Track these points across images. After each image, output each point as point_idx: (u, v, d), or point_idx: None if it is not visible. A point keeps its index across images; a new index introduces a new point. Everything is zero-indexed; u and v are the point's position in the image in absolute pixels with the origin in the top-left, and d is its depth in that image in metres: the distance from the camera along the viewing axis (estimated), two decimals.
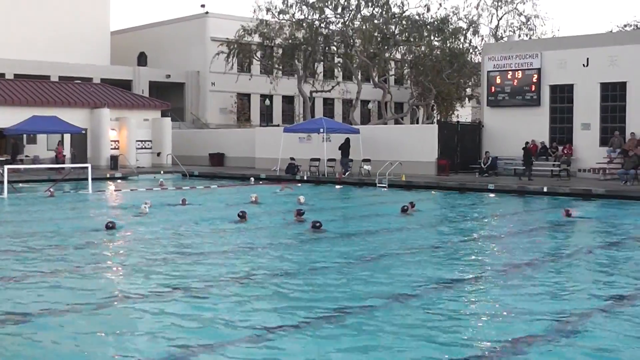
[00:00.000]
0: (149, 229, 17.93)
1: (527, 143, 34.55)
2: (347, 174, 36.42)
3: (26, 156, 41.60)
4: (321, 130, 37.93)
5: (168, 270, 12.63)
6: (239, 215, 19.11)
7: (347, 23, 51.04)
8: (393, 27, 51.90)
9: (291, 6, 50.60)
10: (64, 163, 39.58)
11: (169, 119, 47.51)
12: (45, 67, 51.76)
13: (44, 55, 53.07)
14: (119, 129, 44.76)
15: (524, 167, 33.32)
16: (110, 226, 17.41)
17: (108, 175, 38.00)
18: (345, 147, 37.52)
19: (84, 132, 41.97)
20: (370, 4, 50.50)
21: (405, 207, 21.48)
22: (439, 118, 56.26)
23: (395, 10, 51.24)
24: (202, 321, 9.21)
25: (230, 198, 26.67)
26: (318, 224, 17.26)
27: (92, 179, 30.16)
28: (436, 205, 25.83)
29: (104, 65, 57.33)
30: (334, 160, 37.97)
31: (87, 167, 31.24)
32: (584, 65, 34.89)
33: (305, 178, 36.42)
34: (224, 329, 8.92)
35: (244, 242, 15.96)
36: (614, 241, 16.88)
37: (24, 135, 41.80)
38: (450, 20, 52.30)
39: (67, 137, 42.96)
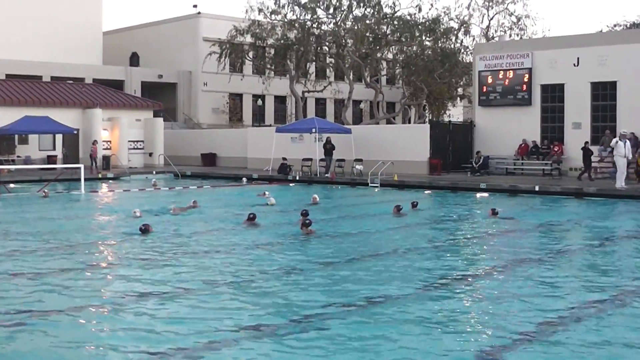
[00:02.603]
0: (159, 231, 17.54)
1: (586, 143, 33.06)
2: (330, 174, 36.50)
3: (18, 156, 41.54)
4: (313, 130, 38.00)
5: (163, 272, 12.70)
6: (249, 217, 18.85)
7: (339, 23, 51.13)
8: (385, 27, 52.02)
9: (283, 6, 50.71)
10: (96, 163, 40.08)
11: (161, 119, 47.51)
12: (37, 67, 51.68)
13: (36, 55, 52.97)
14: (111, 129, 44.75)
15: (583, 168, 32.04)
16: (143, 229, 16.80)
17: (100, 176, 37.95)
18: (331, 147, 37.50)
19: (76, 132, 41.93)
20: (362, 5, 50.61)
21: (400, 207, 21.52)
22: (430, 118, 56.39)
23: (387, 10, 51.41)
24: (185, 323, 9.23)
25: (240, 199, 26.34)
26: (308, 222, 17.24)
27: (84, 180, 30.17)
28: (429, 205, 25.83)
29: (96, 65, 57.28)
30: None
31: (79, 168, 31.26)
32: (574, 64, 35.07)
33: (297, 178, 36.46)
34: (211, 331, 8.96)
35: (248, 243, 15.97)
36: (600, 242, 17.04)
37: (16, 136, 41.73)
38: (441, 20, 52.48)
39: (59, 138, 42.91)
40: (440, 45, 52.49)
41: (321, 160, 37.81)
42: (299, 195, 28.79)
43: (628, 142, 28.11)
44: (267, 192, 26.43)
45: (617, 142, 27.76)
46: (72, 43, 56.44)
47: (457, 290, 11.26)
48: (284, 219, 20.33)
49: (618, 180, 27.61)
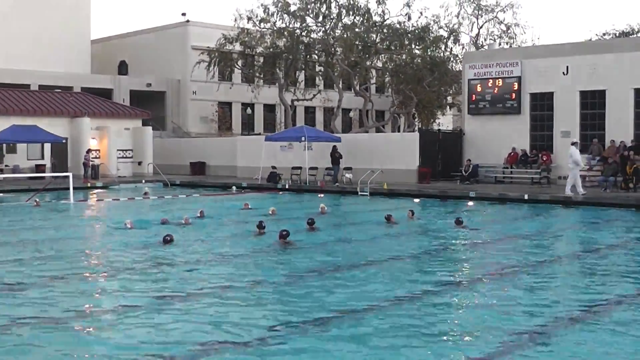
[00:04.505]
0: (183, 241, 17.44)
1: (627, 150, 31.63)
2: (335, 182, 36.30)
3: (6, 165, 41.34)
4: (302, 138, 37.95)
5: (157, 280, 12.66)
6: (258, 226, 18.84)
7: (328, 31, 51.16)
8: (374, 35, 52.07)
9: (272, 15, 50.66)
10: (89, 171, 40.39)
11: (150, 128, 47.41)
12: (25, 76, 51.43)
13: (24, 64, 52.74)
14: (100, 138, 44.62)
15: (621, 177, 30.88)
16: (168, 239, 16.59)
17: (89, 185, 37.80)
18: (338, 156, 37.27)
19: (64, 141, 41.77)
20: (351, 13, 50.64)
21: (389, 216, 21.44)
22: (420, 126, 56.44)
23: (377, 18, 51.45)
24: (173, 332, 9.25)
25: (241, 209, 25.75)
26: (285, 233, 17.07)
27: (73, 189, 30.03)
28: (420, 214, 25.71)
29: (84, 73, 57.10)
30: (315, 168, 37.97)
31: (68, 177, 31.12)
32: (563, 73, 35.16)
33: (287, 186, 36.40)
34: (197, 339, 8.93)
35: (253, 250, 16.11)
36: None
37: (4, 145, 41.54)
38: (431, 28, 52.57)
39: (47, 147, 42.74)
40: (429, 53, 52.58)
41: (311, 168, 37.75)
42: (296, 204, 28.89)
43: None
44: (248, 203, 26.13)
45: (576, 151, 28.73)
46: (60, 52, 56.21)
47: (435, 299, 11.26)
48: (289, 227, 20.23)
49: (578, 187, 28.21)
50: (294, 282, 12.69)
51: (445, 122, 62.10)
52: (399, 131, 59.11)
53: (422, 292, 11.72)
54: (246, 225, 20.68)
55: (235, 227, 20.66)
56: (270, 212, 23.52)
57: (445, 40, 54.06)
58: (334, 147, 37.58)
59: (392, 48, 52.54)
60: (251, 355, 8.39)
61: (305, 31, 51.73)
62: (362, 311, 10.35)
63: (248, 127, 58.67)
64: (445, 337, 9.10)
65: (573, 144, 29.42)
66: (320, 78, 58.23)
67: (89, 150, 41.52)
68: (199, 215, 22.55)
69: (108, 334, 9.21)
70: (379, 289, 11.88)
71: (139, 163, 45.72)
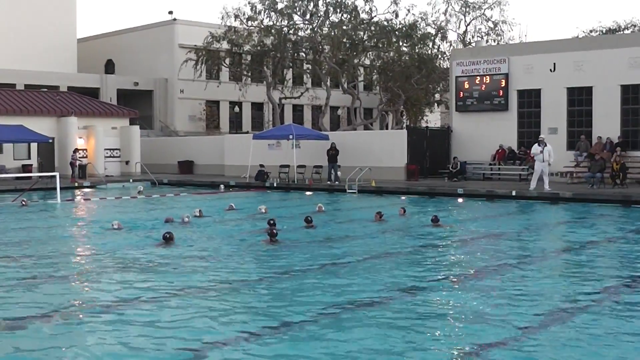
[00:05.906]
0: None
1: None
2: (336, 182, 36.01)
3: None
4: (290, 136, 37.87)
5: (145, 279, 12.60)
6: (268, 223, 18.76)
7: (315, 29, 51.12)
8: (362, 33, 52.07)
9: (259, 13, 50.62)
10: (76, 171, 40.29)
11: (138, 127, 47.22)
12: (10, 75, 51.14)
13: (9, 63, 52.47)
14: (87, 137, 44.42)
15: None
16: (167, 237, 16.42)
17: (76, 185, 37.63)
18: (335, 153, 36.94)
19: (51, 141, 41.57)
20: (338, 10, 50.64)
21: (380, 214, 21.38)
22: (408, 123, 56.48)
23: (364, 16, 51.49)
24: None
25: (244, 210, 25.28)
26: (275, 232, 17.06)
27: (60, 188, 29.87)
28: (409, 211, 25.68)
29: (70, 73, 56.83)
30: (303, 166, 37.91)
31: (55, 176, 30.96)
32: (550, 70, 35.25)
33: (275, 185, 36.35)
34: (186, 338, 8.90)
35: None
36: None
37: None
38: (418, 26, 52.58)
39: (34, 146, 42.50)
40: (417, 51, 52.61)
41: (299, 166, 37.68)
42: (285, 202, 28.98)
43: (548, 146, 29.28)
44: (233, 205, 25.79)
45: (539, 149, 29.11)
46: (46, 50, 55.98)
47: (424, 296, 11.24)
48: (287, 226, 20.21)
49: (533, 182, 29.32)
50: (290, 280, 12.65)
51: (433, 119, 62.10)
52: (387, 129, 59.18)
53: (412, 289, 11.74)
54: (242, 224, 20.80)
55: (231, 227, 20.54)
56: (264, 211, 23.44)
57: (432, 38, 54.06)
58: (332, 144, 37.15)
59: (380, 45, 52.55)
60: (250, 354, 8.36)
61: (293, 29, 51.69)
62: (358, 309, 10.38)
63: (236, 125, 58.57)
64: (434, 333, 9.12)
65: (538, 142, 29.72)
66: (308, 76, 58.16)
67: (76, 150, 41.32)
68: (197, 214, 22.37)
69: (102, 335, 9.13)
70: (371, 286, 11.87)
71: (127, 162, 45.57)
